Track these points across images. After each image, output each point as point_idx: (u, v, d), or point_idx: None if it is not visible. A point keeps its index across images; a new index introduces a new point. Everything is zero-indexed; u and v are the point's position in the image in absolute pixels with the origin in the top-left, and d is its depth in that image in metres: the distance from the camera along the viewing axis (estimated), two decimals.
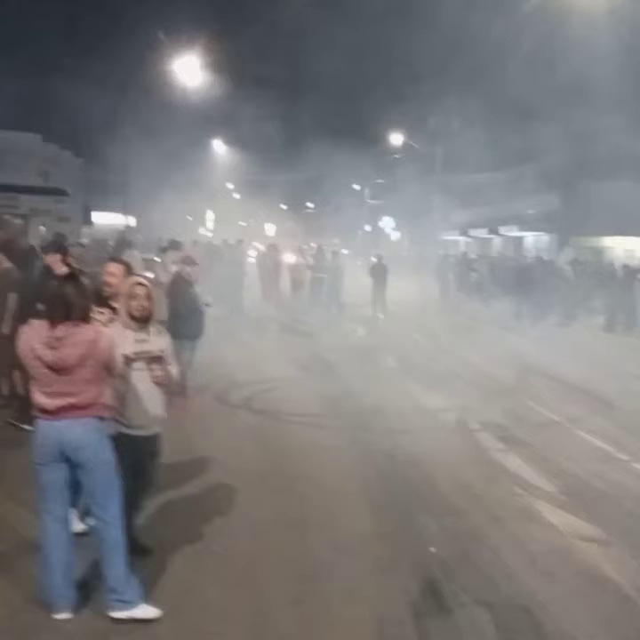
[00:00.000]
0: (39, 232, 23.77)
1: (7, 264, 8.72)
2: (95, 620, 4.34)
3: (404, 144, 47.49)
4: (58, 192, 25.00)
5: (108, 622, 4.31)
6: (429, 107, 42.09)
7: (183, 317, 8.68)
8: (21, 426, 7.21)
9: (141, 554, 4.94)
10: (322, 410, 9.85)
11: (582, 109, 27.25)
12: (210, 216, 68.28)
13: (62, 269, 7.30)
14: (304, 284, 22.82)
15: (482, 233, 42.05)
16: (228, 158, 58.58)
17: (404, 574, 5.13)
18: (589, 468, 7.59)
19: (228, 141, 56.86)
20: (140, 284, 4.98)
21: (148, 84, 31.34)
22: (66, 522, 4.46)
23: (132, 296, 4.86)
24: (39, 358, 4.20)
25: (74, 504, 4.77)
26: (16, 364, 6.01)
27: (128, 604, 4.33)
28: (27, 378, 4.76)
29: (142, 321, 4.87)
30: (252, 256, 28.51)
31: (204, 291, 10.40)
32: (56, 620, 4.32)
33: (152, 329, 4.94)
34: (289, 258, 25.68)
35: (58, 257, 7.94)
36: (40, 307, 4.64)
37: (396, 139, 48.05)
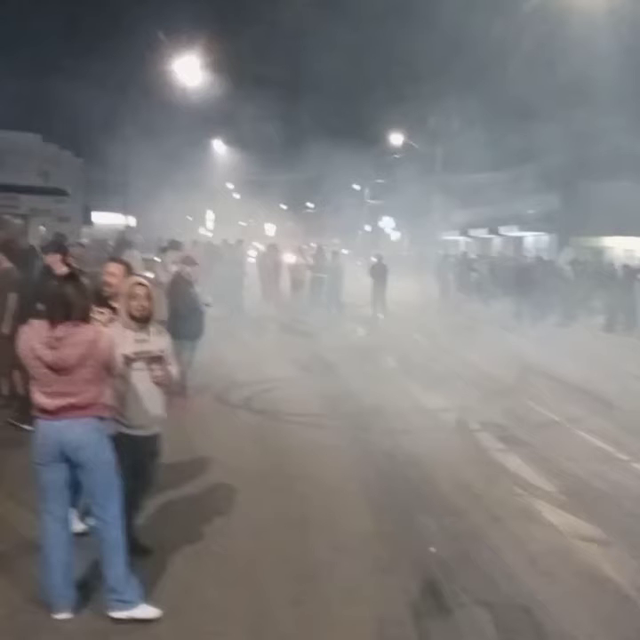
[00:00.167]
0: (39, 232, 23.77)
1: (7, 264, 8.72)
2: (95, 620, 4.34)
3: (404, 144, 47.50)
4: (58, 192, 24.99)
5: (107, 622, 4.31)
6: (429, 107, 42.16)
7: (183, 317, 8.68)
8: (21, 426, 7.21)
9: (141, 554, 4.94)
10: (322, 410, 9.85)
11: (582, 109, 27.26)
12: (210, 216, 68.29)
13: (62, 269, 7.30)
14: (304, 284, 22.82)
15: (482, 233, 42.05)
16: (227, 158, 58.59)
17: (404, 574, 5.13)
18: (589, 468, 7.59)
19: (227, 141, 56.94)
20: (140, 284, 4.98)
21: (148, 84, 31.38)
22: (66, 522, 4.46)
23: (132, 296, 4.86)
24: (39, 358, 4.20)
25: (74, 504, 4.77)
26: (16, 363, 6.01)
27: (128, 603, 4.33)
28: (27, 378, 4.76)
29: (142, 321, 4.87)
30: (252, 256, 28.51)
31: (203, 291, 10.40)
32: (56, 619, 4.32)
33: (152, 329, 4.94)
34: (289, 258, 25.68)
35: (58, 257, 7.94)
36: (40, 307, 4.64)
37: (396, 139, 48.06)
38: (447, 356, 15.00)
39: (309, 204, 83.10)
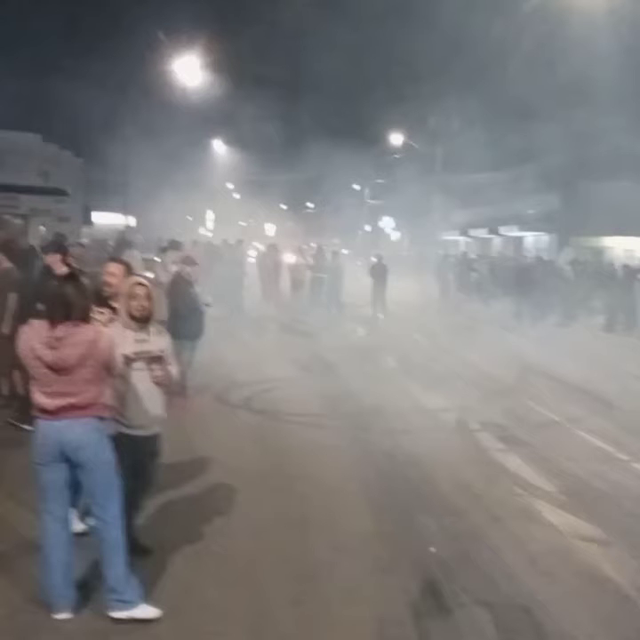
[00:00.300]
0: (39, 232, 23.77)
1: (7, 264, 8.72)
2: (95, 620, 4.34)
3: (404, 144, 47.50)
4: (58, 192, 24.99)
5: (107, 622, 4.31)
6: (429, 107, 42.15)
7: (183, 317, 8.68)
8: (21, 426, 7.21)
9: (141, 554, 4.94)
10: (322, 410, 9.85)
11: (582, 109, 27.26)
12: (210, 216, 68.28)
13: (62, 269, 7.29)
14: (304, 284, 22.82)
15: (482, 233, 42.05)
16: (227, 158, 58.58)
17: (404, 574, 5.13)
18: (589, 468, 7.59)
19: (228, 141, 56.94)
20: (140, 284, 4.98)
21: (148, 84, 31.38)
22: (66, 522, 4.46)
23: (132, 296, 4.86)
24: (39, 358, 4.20)
25: (74, 504, 4.77)
26: (16, 363, 6.01)
27: (128, 603, 4.33)
28: (27, 378, 4.76)
29: (142, 321, 4.87)
30: (252, 256, 28.52)
31: (204, 291, 10.40)
32: (56, 619, 4.32)
33: (152, 329, 4.94)
34: (289, 258, 25.69)
35: (58, 257, 7.94)
36: (40, 307, 4.64)
37: (396, 139, 48.06)
38: (447, 355, 15.00)
39: (309, 204, 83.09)
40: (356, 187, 63.24)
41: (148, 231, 34.61)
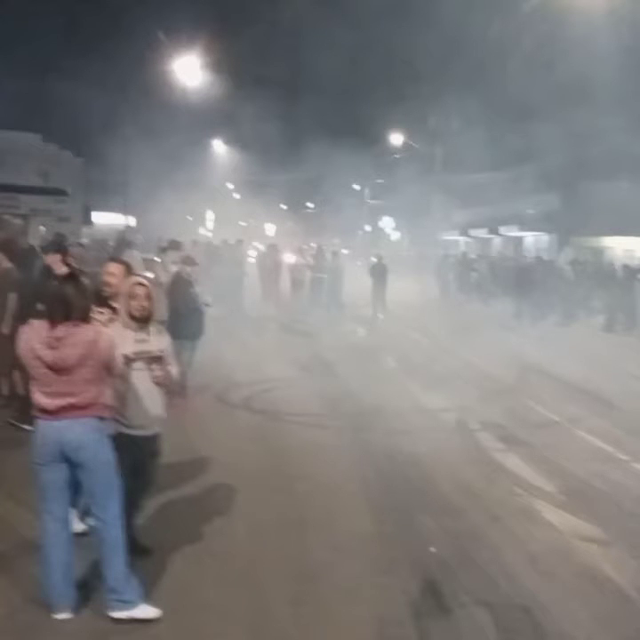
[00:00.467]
0: (39, 232, 23.76)
1: (7, 264, 8.72)
2: (95, 620, 4.34)
3: (404, 144, 47.49)
4: (58, 192, 24.98)
5: (107, 622, 4.31)
6: (429, 107, 42.12)
7: (183, 317, 8.68)
8: (21, 426, 7.21)
9: (141, 554, 4.94)
10: (322, 410, 9.85)
11: (582, 109, 27.21)
12: (210, 216, 68.24)
13: (62, 269, 7.29)
14: (304, 284, 22.82)
15: (482, 233, 42.02)
16: (227, 158, 58.55)
17: (404, 574, 5.13)
18: (589, 468, 7.59)
19: (227, 141, 56.89)
20: (140, 284, 4.98)
21: (148, 84, 31.40)
22: (66, 522, 4.46)
23: (132, 296, 4.87)
24: (39, 358, 4.20)
25: (74, 504, 4.77)
26: (16, 363, 6.01)
27: (128, 604, 4.33)
28: (27, 378, 4.77)
29: (142, 321, 4.87)
30: (252, 256, 28.52)
31: (204, 291, 10.40)
32: (56, 620, 4.32)
33: (152, 329, 4.95)
34: (289, 258, 25.70)
35: (58, 257, 7.94)
36: (40, 307, 4.64)
37: (396, 139, 48.06)
38: (447, 355, 15.00)
39: (309, 204, 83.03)
40: (356, 187, 63.21)
41: (148, 231, 34.57)
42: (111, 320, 5.15)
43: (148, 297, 4.89)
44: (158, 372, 4.83)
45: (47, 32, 57.32)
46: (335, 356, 14.00)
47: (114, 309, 5.29)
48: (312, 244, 32.34)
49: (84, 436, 4.29)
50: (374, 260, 24.12)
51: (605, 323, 20.33)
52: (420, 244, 47.39)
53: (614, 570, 5.36)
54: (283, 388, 11.14)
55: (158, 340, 4.95)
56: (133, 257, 11.15)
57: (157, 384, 4.87)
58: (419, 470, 7.35)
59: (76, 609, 4.39)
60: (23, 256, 9.77)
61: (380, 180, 57.91)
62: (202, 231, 57.36)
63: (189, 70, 30.35)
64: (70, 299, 4.26)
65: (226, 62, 42.29)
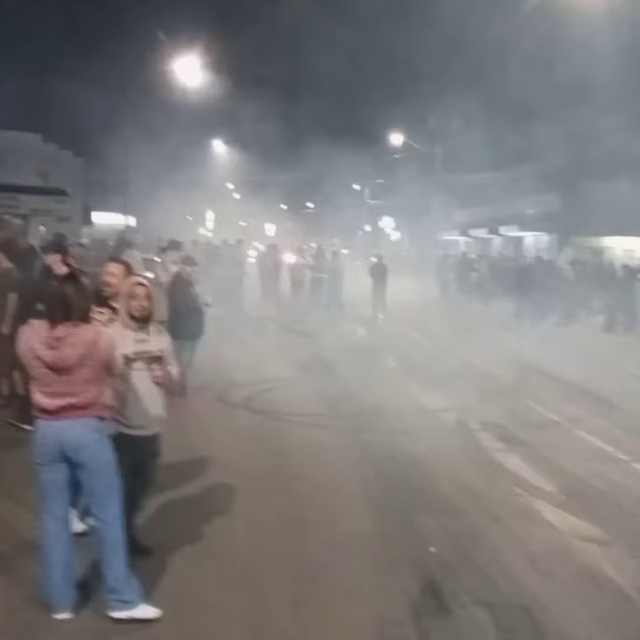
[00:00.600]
0: (39, 232, 23.77)
1: (7, 264, 8.72)
2: (95, 620, 4.34)
3: (404, 144, 47.48)
4: (58, 192, 24.98)
5: (107, 622, 4.31)
6: (429, 107, 42.10)
7: (183, 317, 8.68)
8: (21, 426, 7.21)
9: (141, 554, 4.94)
10: (322, 410, 9.85)
11: (582, 109, 27.21)
12: (210, 216, 68.24)
13: (62, 269, 7.29)
14: (304, 284, 22.82)
15: (482, 233, 42.02)
16: (227, 158, 58.55)
17: (404, 574, 5.13)
18: (589, 468, 7.59)
19: (227, 141, 56.89)
20: (140, 284, 4.98)
21: (148, 84, 31.41)
22: (66, 522, 4.46)
23: (132, 296, 4.87)
24: (39, 358, 4.20)
25: (74, 504, 4.77)
26: (16, 363, 6.01)
27: (128, 604, 4.33)
28: (27, 378, 4.77)
29: (142, 321, 4.87)
30: (252, 256, 28.51)
31: (204, 291, 10.41)
32: (56, 619, 4.32)
33: (152, 329, 4.95)
34: (289, 258, 25.69)
35: (58, 257, 7.94)
36: (40, 307, 4.64)
37: (396, 139, 48.05)
38: (447, 355, 15.00)
39: (309, 204, 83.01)
40: (356, 187, 63.20)
41: (148, 231, 34.57)
42: (111, 320, 5.15)
43: (148, 297, 4.89)
44: (158, 372, 4.83)
45: (47, 32, 57.41)
46: (335, 356, 14.00)
47: (114, 309, 5.29)
48: (312, 244, 32.35)
49: (84, 435, 4.29)
50: (374, 260, 24.12)
51: (605, 323, 20.33)
52: (420, 244, 47.40)
53: (614, 570, 5.36)
54: (283, 388, 11.14)
55: (158, 340, 4.95)
56: (133, 257, 11.16)
57: (157, 384, 4.88)
58: (419, 470, 7.35)
59: (76, 609, 4.39)
60: (23, 256, 9.77)
61: (379, 180, 57.91)
62: (202, 231, 57.36)
63: (189, 70, 30.38)
64: (70, 299, 4.26)
65: (226, 62, 42.37)
